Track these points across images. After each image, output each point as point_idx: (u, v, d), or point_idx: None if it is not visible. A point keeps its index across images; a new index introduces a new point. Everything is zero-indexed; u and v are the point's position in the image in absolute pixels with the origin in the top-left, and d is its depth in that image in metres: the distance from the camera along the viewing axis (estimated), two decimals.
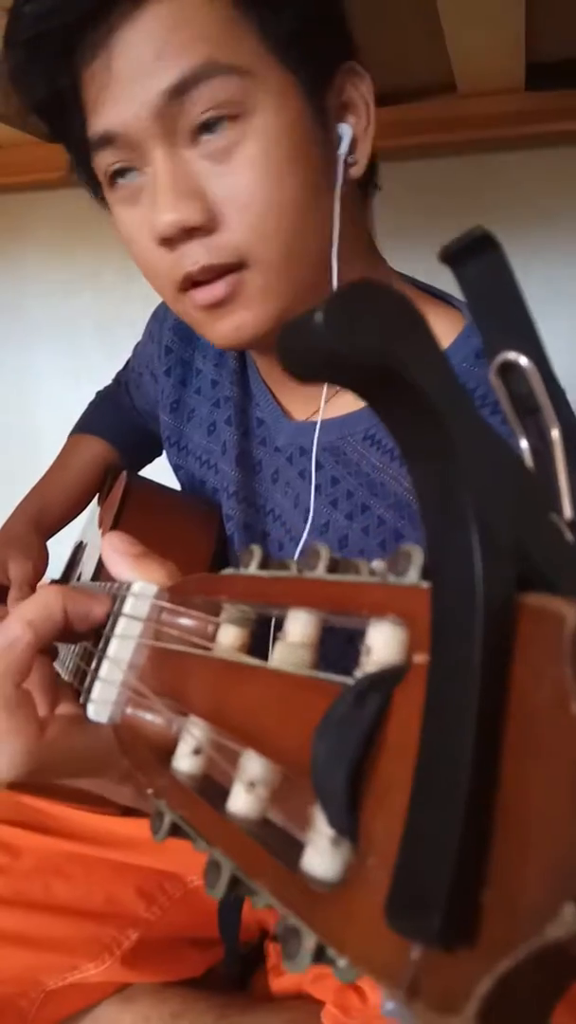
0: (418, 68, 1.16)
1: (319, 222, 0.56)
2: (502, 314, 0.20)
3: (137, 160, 0.55)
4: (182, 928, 0.73)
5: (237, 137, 0.53)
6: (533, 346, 0.20)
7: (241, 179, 0.53)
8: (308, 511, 0.65)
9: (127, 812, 0.75)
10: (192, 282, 0.57)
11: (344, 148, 0.57)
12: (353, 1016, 0.57)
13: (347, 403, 0.65)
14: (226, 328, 0.58)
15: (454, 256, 0.20)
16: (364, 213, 0.64)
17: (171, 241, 0.55)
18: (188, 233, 0.54)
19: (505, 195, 1.32)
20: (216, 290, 0.56)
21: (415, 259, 0.64)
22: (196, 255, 0.55)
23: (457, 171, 1.33)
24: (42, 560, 0.89)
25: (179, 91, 0.52)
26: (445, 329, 0.61)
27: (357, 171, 0.58)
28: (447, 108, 1.21)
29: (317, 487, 0.65)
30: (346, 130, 0.57)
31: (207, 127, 0.53)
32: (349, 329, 0.16)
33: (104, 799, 0.73)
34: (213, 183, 0.54)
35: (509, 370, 0.21)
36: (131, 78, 0.53)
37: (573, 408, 0.22)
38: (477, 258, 0.20)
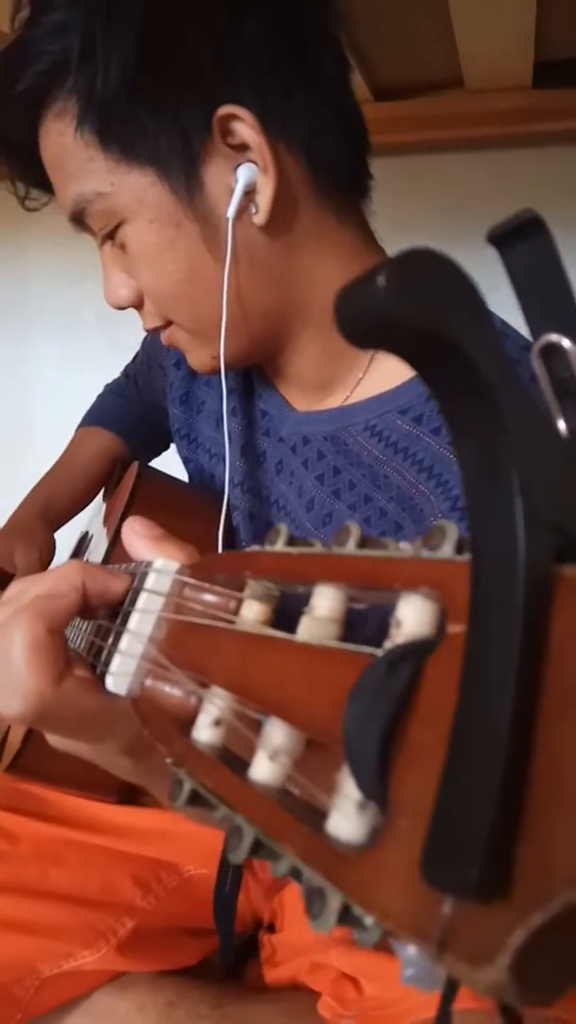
0: (427, 64, 1.16)
1: (217, 283, 0.60)
2: (547, 297, 0.21)
3: None
4: (178, 917, 0.73)
5: (123, 239, 0.61)
6: None
7: (135, 270, 0.63)
8: (312, 501, 0.66)
9: (124, 800, 0.75)
10: None
11: (235, 202, 0.57)
12: (349, 1007, 0.57)
13: (347, 394, 0.66)
14: (190, 363, 0.69)
15: (501, 238, 0.21)
16: (351, 217, 0.64)
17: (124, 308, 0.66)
18: (128, 307, 0.66)
19: (512, 192, 1.32)
20: (164, 339, 0.68)
21: None
22: (143, 319, 0.67)
23: (464, 167, 1.33)
24: (48, 550, 0.89)
25: (77, 219, 0.63)
26: None
27: (260, 219, 0.58)
28: (455, 104, 1.22)
29: (320, 477, 0.65)
30: (243, 173, 0.57)
31: (108, 234, 0.62)
32: (409, 294, 0.16)
33: (102, 786, 0.74)
34: (130, 270, 0.63)
35: (551, 352, 0.21)
36: (55, 190, 0.64)
37: None
38: (524, 241, 0.21)
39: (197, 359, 0.67)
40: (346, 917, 0.20)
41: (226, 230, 0.58)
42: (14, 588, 0.39)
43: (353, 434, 0.64)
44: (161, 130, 0.56)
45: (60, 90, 0.58)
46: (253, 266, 0.60)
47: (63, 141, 0.59)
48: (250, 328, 0.63)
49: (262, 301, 0.62)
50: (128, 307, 0.66)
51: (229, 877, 0.67)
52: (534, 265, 0.21)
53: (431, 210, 1.30)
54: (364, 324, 0.17)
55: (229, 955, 0.70)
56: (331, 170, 0.61)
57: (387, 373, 0.64)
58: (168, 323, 0.66)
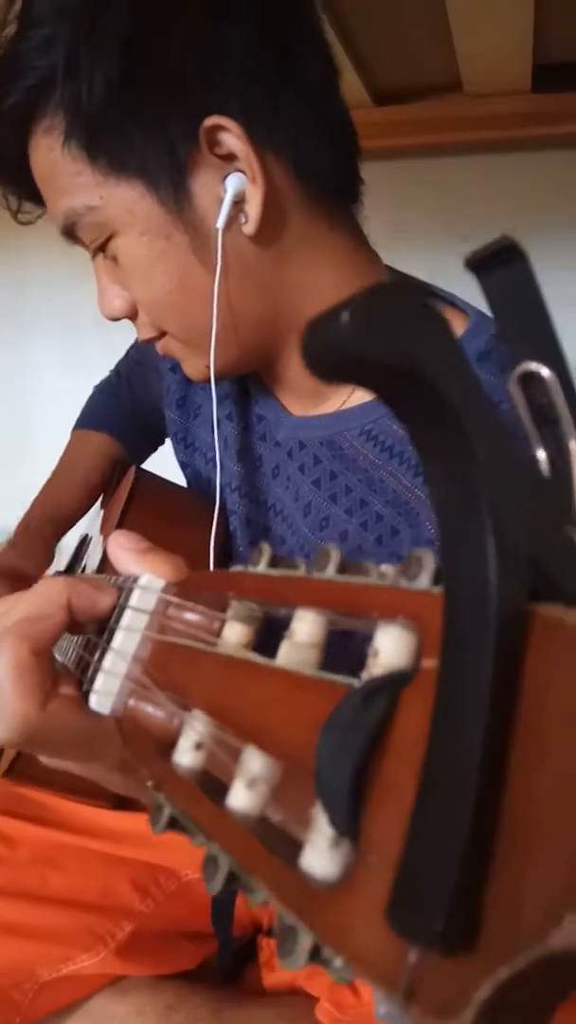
0: (426, 67, 1.16)
1: (208, 293, 0.59)
2: (525, 324, 0.20)
3: None
4: (176, 921, 0.73)
5: (114, 251, 0.61)
6: (555, 358, 0.20)
7: (127, 282, 0.63)
8: (309, 506, 0.65)
9: (122, 805, 0.75)
10: None
11: (224, 212, 0.56)
12: (347, 1012, 0.57)
13: (345, 399, 0.66)
14: (185, 371, 0.69)
15: (480, 264, 0.20)
16: (342, 223, 0.63)
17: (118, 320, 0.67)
18: (122, 318, 0.66)
19: (510, 196, 1.31)
20: (160, 349, 0.68)
21: (417, 257, 0.64)
22: (137, 329, 0.67)
23: (462, 171, 1.32)
24: (48, 559, 0.89)
25: (68, 233, 0.63)
26: None
27: (250, 228, 0.58)
28: (453, 108, 1.21)
29: (316, 482, 0.65)
30: (232, 183, 0.56)
31: (100, 247, 0.62)
32: (374, 330, 0.16)
33: (99, 791, 0.74)
34: (122, 282, 0.63)
35: (530, 380, 0.21)
36: (46, 204, 0.64)
37: None
38: (503, 267, 0.20)
39: (192, 368, 0.67)
40: (317, 956, 0.20)
41: (216, 240, 0.57)
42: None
43: (349, 438, 0.64)
44: (148, 142, 0.56)
45: (48, 105, 0.57)
46: (244, 275, 0.60)
47: (52, 156, 0.59)
48: (241, 337, 0.63)
49: (253, 310, 0.62)
50: (122, 318, 0.66)
51: None
52: (512, 291, 0.20)
53: (430, 214, 1.29)
54: (330, 361, 0.16)
55: (227, 959, 0.70)
56: (320, 176, 0.60)
57: None
58: (162, 334, 0.66)
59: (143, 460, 1.01)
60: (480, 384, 0.17)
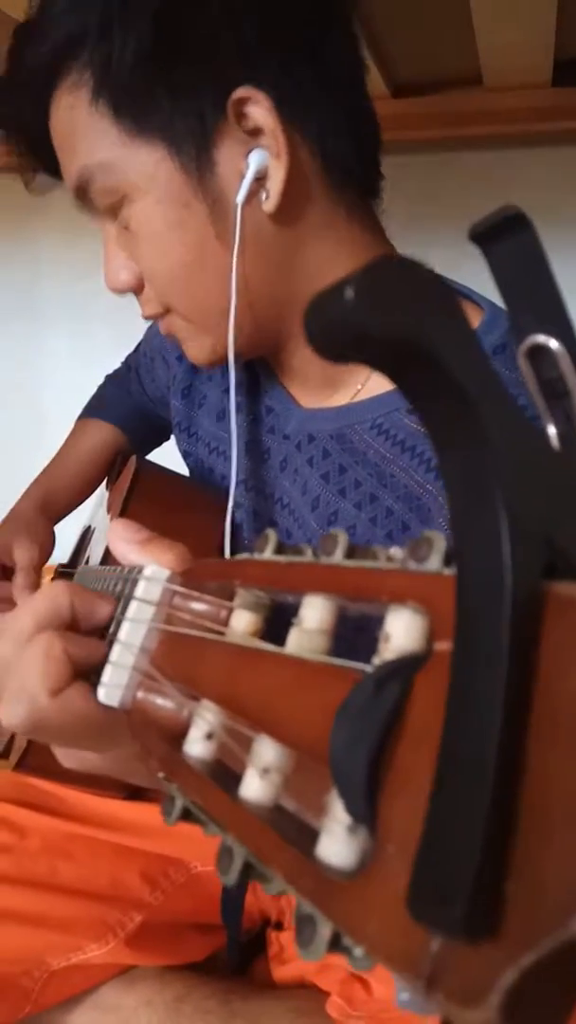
0: (446, 61, 1.15)
1: (224, 269, 0.59)
2: (532, 296, 0.20)
3: None
4: (185, 913, 0.73)
5: (128, 216, 0.60)
6: (564, 329, 0.20)
7: (138, 251, 0.61)
8: (317, 500, 0.65)
9: (133, 797, 0.75)
10: None
11: (245, 186, 0.56)
12: (358, 1007, 0.57)
13: (355, 391, 0.65)
14: (187, 354, 0.67)
15: (484, 235, 0.20)
16: (362, 215, 0.63)
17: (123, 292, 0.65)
18: (127, 291, 0.65)
19: (529, 190, 1.30)
20: (162, 327, 0.66)
21: (434, 251, 0.63)
22: (141, 305, 0.66)
23: (482, 165, 1.32)
24: (48, 543, 0.88)
25: (81, 194, 0.61)
26: None
27: (270, 205, 0.57)
28: (473, 101, 1.20)
29: (325, 475, 0.64)
30: (255, 158, 0.56)
31: (111, 210, 0.61)
32: (379, 305, 0.15)
33: (111, 782, 0.74)
34: (132, 251, 0.62)
35: (538, 353, 0.20)
36: (61, 165, 0.62)
37: None
38: (508, 238, 0.20)
39: (195, 348, 0.66)
40: (336, 945, 0.20)
41: (235, 215, 0.57)
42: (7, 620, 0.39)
43: (359, 432, 0.63)
44: (176, 107, 0.55)
45: (75, 62, 0.57)
46: (260, 254, 0.59)
47: (75, 113, 0.58)
48: (256, 316, 0.62)
49: (268, 290, 0.61)
50: (127, 291, 0.65)
51: None
52: (519, 263, 0.20)
53: (448, 207, 1.28)
54: (333, 338, 0.16)
55: (235, 952, 0.70)
56: (343, 165, 0.60)
57: None
58: (167, 311, 0.64)
59: (148, 453, 1.00)
60: (488, 359, 0.17)
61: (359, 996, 0.57)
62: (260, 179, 0.57)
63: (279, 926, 0.73)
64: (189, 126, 0.55)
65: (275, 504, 0.71)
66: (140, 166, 0.57)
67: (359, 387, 0.65)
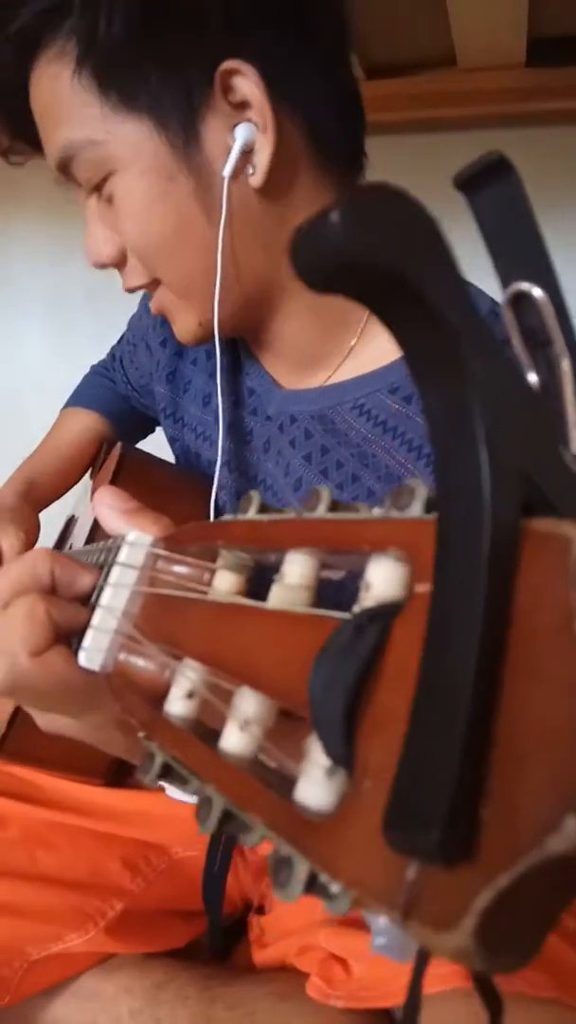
0: (419, 41, 1.15)
1: (209, 243, 0.58)
2: (516, 243, 0.20)
3: None
4: (166, 900, 0.72)
5: (111, 190, 0.59)
6: (546, 277, 0.20)
7: (122, 225, 0.60)
8: (299, 480, 0.65)
9: (113, 783, 0.75)
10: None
11: (232, 160, 0.56)
12: (338, 988, 0.56)
13: (336, 373, 0.65)
14: (175, 331, 0.66)
15: (468, 182, 0.20)
16: (345, 188, 0.63)
17: (105, 267, 0.64)
18: (109, 265, 0.64)
19: None
20: (152, 303, 0.66)
21: None
22: (123, 277, 0.65)
23: (455, 146, 1.32)
24: (33, 531, 0.88)
25: (63, 168, 0.60)
26: None
27: (256, 180, 0.57)
28: (447, 82, 1.20)
29: (307, 456, 0.64)
30: (241, 132, 0.56)
31: (95, 186, 0.60)
32: (365, 231, 0.15)
33: (91, 768, 0.73)
34: (115, 225, 0.61)
35: (522, 301, 0.20)
36: (42, 137, 0.61)
37: None
38: (492, 185, 0.20)
39: (184, 324, 0.65)
40: (313, 886, 0.20)
41: (221, 188, 0.56)
42: None
43: (341, 413, 0.63)
44: (164, 81, 0.55)
45: (59, 31, 0.56)
46: (246, 227, 0.59)
47: (57, 84, 0.57)
48: (243, 289, 0.62)
49: (253, 264, 0.61)
50: (109, 264, 0.64)
51: (218, 860, 0.66)
52: (503, 210, 0.20)
53: (423, 189, 1.27)
54: (319, 264, 0.16)
55: (218, 937, 0.69)
56: (330, 141, 0.60)
57: (376, 351, 0.63)
58: (152, 281, 0.63)
59: (134, 443, 1.00)
60: (469, 294, 0.17)
61: (339, 976, 0.57)
62: (247, 153, 0.56)
63: (260, 910, 0.72)
64: (176, 99, 0.55)
65: (259, 485, 0.71)
66: (125, 140, 0.56)
67: (338, 367, 0.65)
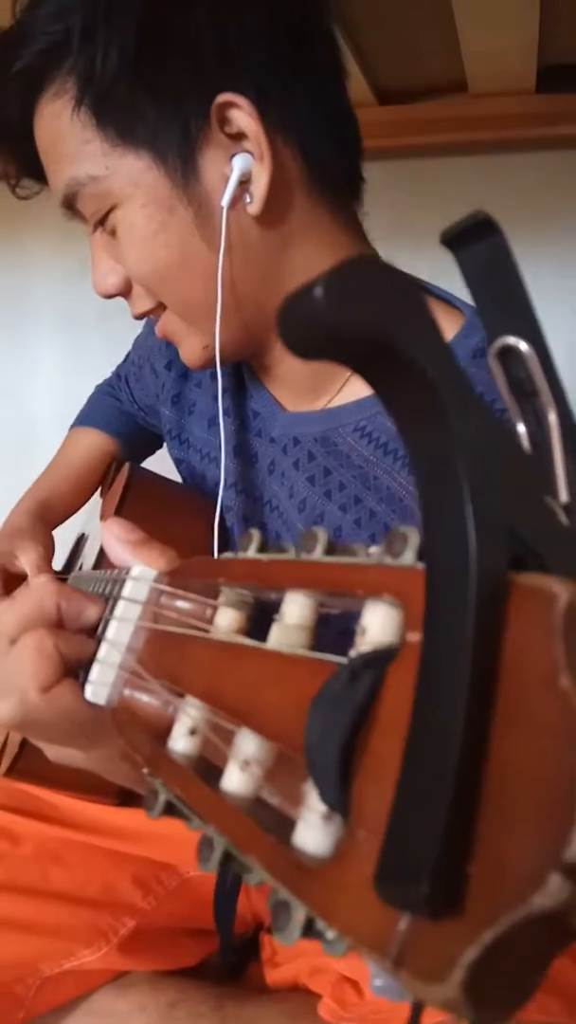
0: (430, 67, 1.16)
1: (210, 271, 0.59)
2: (502, 299, 0.21)
3: None
4: (178, 918, 0.73)
5: (114, 223, 0.60)
6: (532, 331, 0.21)
7: (125, 256, 0.62)
8: (303, 502, 0.65)
9: (124, 802, 0.75)
10: None
11: (230, 190, 0.57)
12: (349, 1010, 0.57)
13: (337, 395, 0.66)
14: (181, 354, 0.68)
15: (455, 239, 0.20)
16: (345, 218, 0.64)
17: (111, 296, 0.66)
18: (115, 295, 0.66)
19: (514, 197, 1.31)
20: (158, 327, 0.67)
21: (420, 258, 0.64)
22: (131, 305, 0.67)
23: (465, 171, 1.33)
24: (49, 550, 0.89)
25: (68, 204, 0.62)
26: (443, 327, 0.62)
27: (254, 208, 0.58)
28: (458, 108, 1.21)
29: (311, 478, 0.65)
30: (238, 162, 0.57)
31: (99, 220, 0.61)
32: (348, 304, 0.16)
33: (103, 788, 0.74)
34: (119, 256, 0.63)
35: (508, 354, 0.21)
36: (47, 174, 0.63)
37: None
38: (478, 242, 0.20)
39: (189, 348, 0.66)
40: (310, 931, 0.20)
41: (220, 218, 0.57)
42: None
43: (343, 435, 0.64)
44: (160, 115, 0.56)
45: (59, 70, 0.57)
46: (245, 256, 0.60)
47: (58, 123, 0.59)
48: (243, 315, 0.63)
49: (253, 292, 0.62)
50: (116, 294, 0.65)
51: (229, 879, 0.67)
52: (488, 266, 0.21)
53: (433, 214, 1.29)
54: (305, 336, 0.16)
55: (229, 956, 0.70)
56: (327, 168, 0.61)
57: None
58: (158, 306, 0.65)
59: (140, 462, 1.01)
60: (452, 354, 0.18)
61: (351, 999, 0.57)
62: (244, 182, 0.57)
63: (272, 930, 0.73)
64: (173, 134, 0.56)
65: (264, 507, 0.71)
66: (125, 174, 0.58)
67: (340, 390, 0.65)
